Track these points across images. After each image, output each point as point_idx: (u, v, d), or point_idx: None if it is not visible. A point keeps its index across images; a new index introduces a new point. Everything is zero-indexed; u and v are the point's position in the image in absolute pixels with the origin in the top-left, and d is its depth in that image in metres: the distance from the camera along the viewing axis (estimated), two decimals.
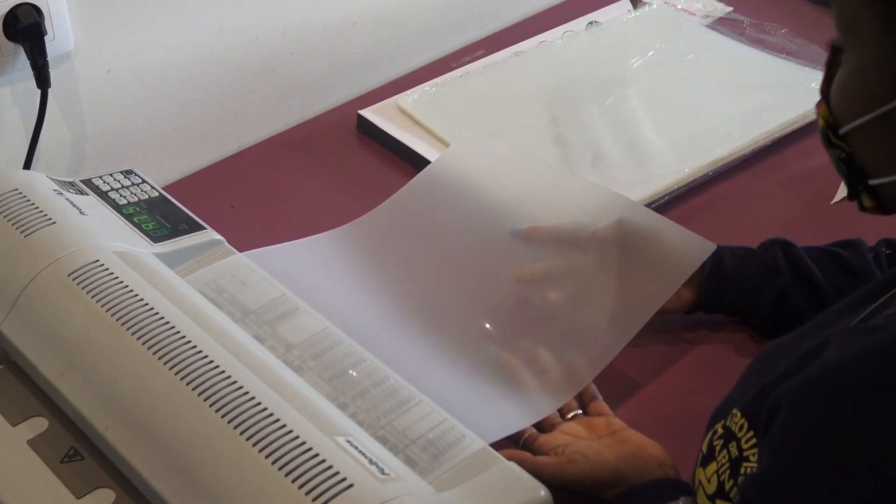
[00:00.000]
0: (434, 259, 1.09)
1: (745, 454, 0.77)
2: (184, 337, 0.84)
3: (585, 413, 0.96)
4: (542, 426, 0.94)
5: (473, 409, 0.92)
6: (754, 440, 0.76)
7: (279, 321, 0.95)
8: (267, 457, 0.75)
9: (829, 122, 0.74)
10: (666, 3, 1.57)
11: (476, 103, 1.35)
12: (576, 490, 0.89)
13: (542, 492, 0.80)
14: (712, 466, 0.81)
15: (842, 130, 0.73)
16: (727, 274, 1.05)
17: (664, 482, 0.87)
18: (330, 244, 1.10)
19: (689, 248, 1.03)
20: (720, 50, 1.48)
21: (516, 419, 0.93)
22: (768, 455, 0.70)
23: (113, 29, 1.15)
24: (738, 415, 0.79)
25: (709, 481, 0.81)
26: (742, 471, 0.77)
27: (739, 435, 0.78)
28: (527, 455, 0.89)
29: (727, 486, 0.78)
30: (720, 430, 0.81)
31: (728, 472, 0.78)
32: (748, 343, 1.07)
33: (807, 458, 0.66)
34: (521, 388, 0.97)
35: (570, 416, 0.95)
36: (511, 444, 0.92)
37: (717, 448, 0.81)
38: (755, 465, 0.76)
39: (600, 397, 0.97)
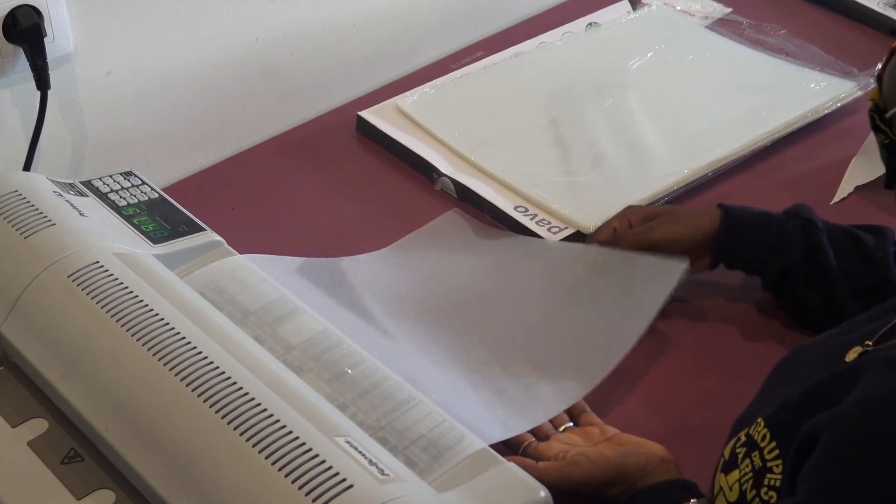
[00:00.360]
0: (433, 299, 1.09)
1: (768, 465, 0.76)
2: (184, 338, 0.84)
3: (577, 425, 0.96)
4: (538, 437, 0.95)
5: (471, 414, 0.92)
6: (777, 451, 0.76)
7: (279, 322, 0.95)
8: (267, 458, 0.75)
9: (879, 105, 0.74)
10: (665, 4, 1.57)
11: (475, 104, 1.35)
12: (580, 492, 0.89)
13: (542, 492, 0.80)
14: (735, 474, 0.80)
15: (888, 114, 0.72)
16: (739, 240, 1.07)
17: (673, 483, 0.86)
18: (329, 269, 1.10)
19: (664, 269, 1.05)
20: (719, 51, 1.48)
21: (512, 425, 0.93)
22: (806, 488, 0.69)
23: (112, 31, 1.15)
24: (762, 424, 0.78)
25: (730, 489, 0.80)
26: (765, 482, 0.76)
27: (762, 445, 0.77)
28: (529, 461, 0.89)
29: (749, 496, 0.78)
30: (743, 438, 0.81)
31: (751, 482, 0.78)
32: (759, 342, 1.08)
33: (847, 493, 0.65)
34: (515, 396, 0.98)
35: (562, 428, 0.96)
36: (509, 452, 0.92)
37: (740, 456, 0.80)
38: (779, 476, 0.75)
39: (589, 409, 0.97)
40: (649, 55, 1.45)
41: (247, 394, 0.79)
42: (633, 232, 1.08)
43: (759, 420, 0.79)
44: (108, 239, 0.94)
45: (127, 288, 0.88)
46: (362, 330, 1.00)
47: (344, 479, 0.74)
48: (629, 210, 1.12)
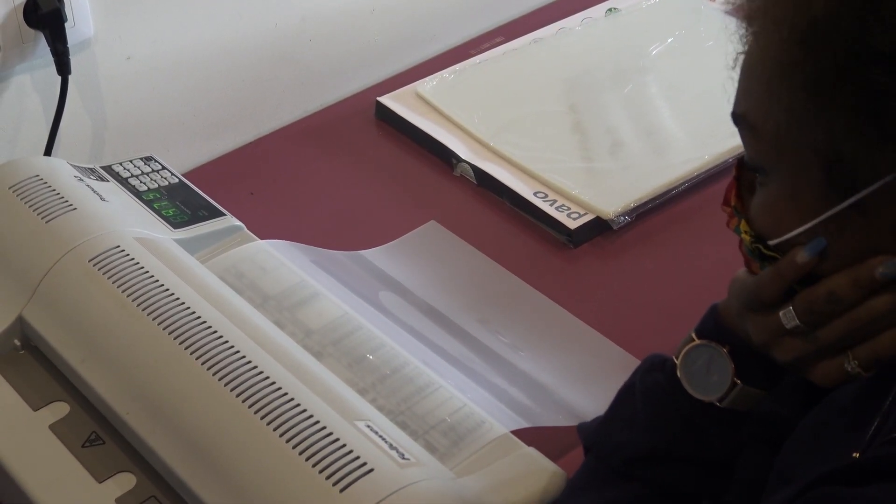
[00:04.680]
0: (451, 295, 1.08)
1: None
2: (204, 322, 0.84)
3: None
4: None
5: (491, 400, 0.92)
6: None
7: (299, 307, 0.95)
8: (287, 441, 0.75)
9: (756, 236, 0.65)
10: None
11: (495, 90, 1.35)
12: None
13: (563, 478, 0.80)
14: None
15: (772, 242, 0.64)
16: None
17: None
18: (345, 261, 1.09)
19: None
20: None
21: (533, 415, 0.93)
22: None
23: (133, 16, 1.15)
24: None
25: None
26: None
27: None
28: None
29: None
30: None
31: None
32: None
33: None
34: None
35: None
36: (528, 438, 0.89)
37: None
38: None
39: None
40: (669, 41, 1.45)
41: (267, 378, 0.80)
42: None
43: None
44: (129, 223, 0.95)
45: (147, 272, 0.88)
46: (379, 319, 1.00)
47: (364, 463, 0.74)
48: None
